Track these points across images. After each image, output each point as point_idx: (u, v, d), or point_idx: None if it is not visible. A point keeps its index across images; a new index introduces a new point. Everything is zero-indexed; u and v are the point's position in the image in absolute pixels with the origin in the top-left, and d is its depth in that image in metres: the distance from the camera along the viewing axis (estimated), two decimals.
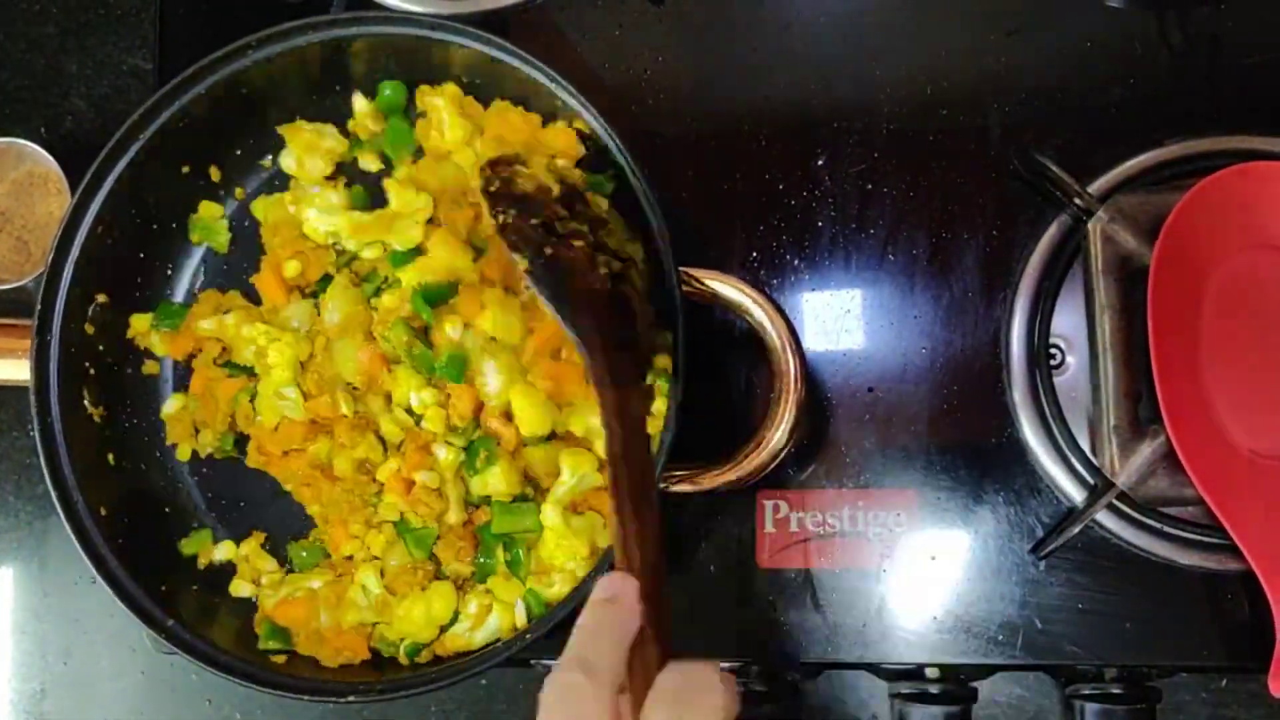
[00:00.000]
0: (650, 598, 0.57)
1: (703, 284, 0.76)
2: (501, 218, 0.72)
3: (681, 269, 0.75)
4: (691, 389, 0.73)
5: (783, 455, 0.75)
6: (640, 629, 0.56)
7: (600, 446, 0.75)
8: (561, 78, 0.78)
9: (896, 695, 0.81)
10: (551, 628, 0.74)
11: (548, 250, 0.71)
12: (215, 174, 0.88)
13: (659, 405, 0.77)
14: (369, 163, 0.87)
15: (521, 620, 0.78)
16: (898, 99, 0.87)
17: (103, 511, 0.80)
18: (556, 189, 0.75)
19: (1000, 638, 0.80)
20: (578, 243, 0.72)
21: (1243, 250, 0.79)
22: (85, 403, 0.82)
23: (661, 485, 0.73)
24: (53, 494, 0.78)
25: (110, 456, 0.84)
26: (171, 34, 0.94)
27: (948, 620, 0.81)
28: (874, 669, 0.84)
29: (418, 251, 0.81)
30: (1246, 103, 0.84)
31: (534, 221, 0.72)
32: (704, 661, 0.55)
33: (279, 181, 0.88)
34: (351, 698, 0.75)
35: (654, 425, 0.78)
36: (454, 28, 0.80)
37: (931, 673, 0.82)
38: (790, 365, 0.74)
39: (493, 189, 0.74)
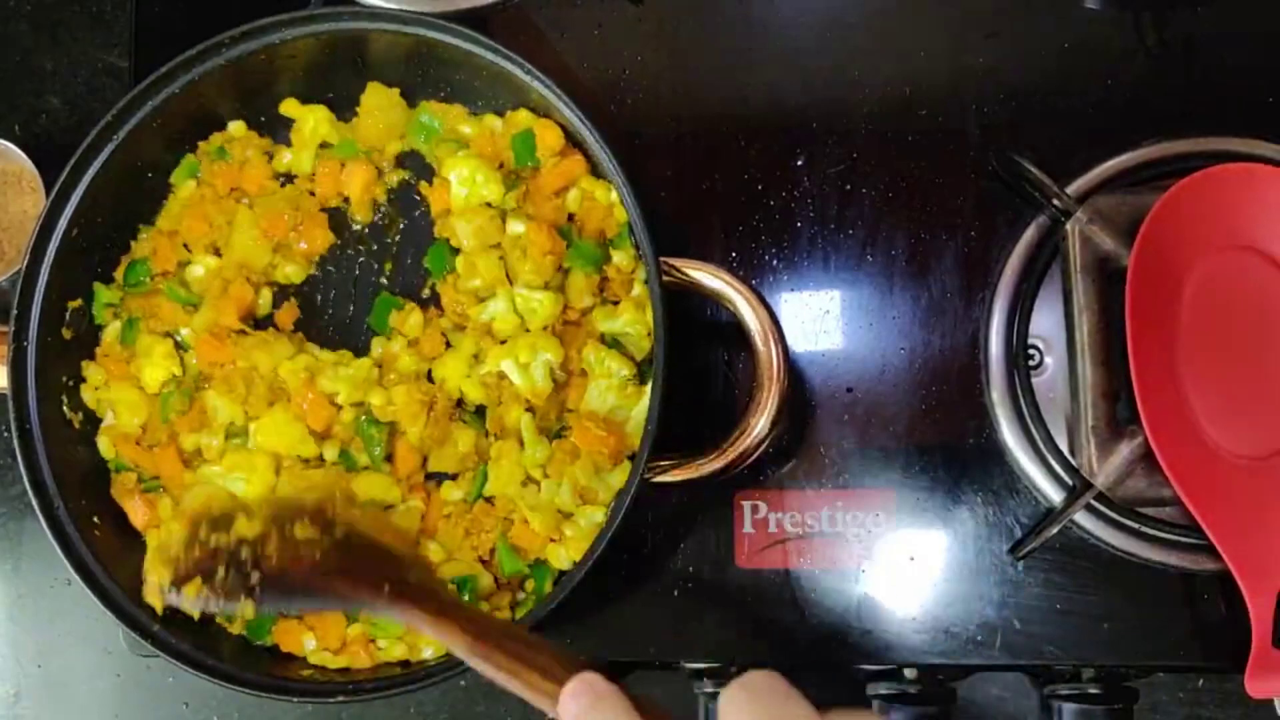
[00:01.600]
0: (612, 681, 0.56)
1: (684, 274, 0.76)
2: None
3: (662, 259, 0.75)
4: (674, 381, 0.73)
5: (765, 445, 0.75)
6: (633, 700, 0.54)
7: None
8: (540, 73, 0.78)
9: (875, 696, 0.81)
10: (532, 628, 0.74)
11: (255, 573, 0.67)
12: None
13: (642, 399, 0.77)
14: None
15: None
16: (877, 100, 0.87)
17: (81, 515, 0.79)
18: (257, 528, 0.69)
19: (979, 638, 0.80)
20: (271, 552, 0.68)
21: (1220, 251, 0.80)
22: (64, 408, 0.82)
23: (645, 477, 0.73)
24: (33, 499, 0.78)
25: (89, 460, 0.83)
26: (147, 32, 0.94)
27: (926, 621, 0.81)
28: (853, 670, 0.84)
29: None
30: (1223, 104, 0.85)
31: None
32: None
33: None
34: (340, 697, 0.75)
35: (637, 417, 0.78)
36: (432, 24, 0.80)
37: (910, 673, 0.82)
38: (772, 353, 0.74)
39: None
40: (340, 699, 0.75)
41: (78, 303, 0.83)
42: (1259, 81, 0.85)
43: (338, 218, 0.87)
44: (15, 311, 0.79)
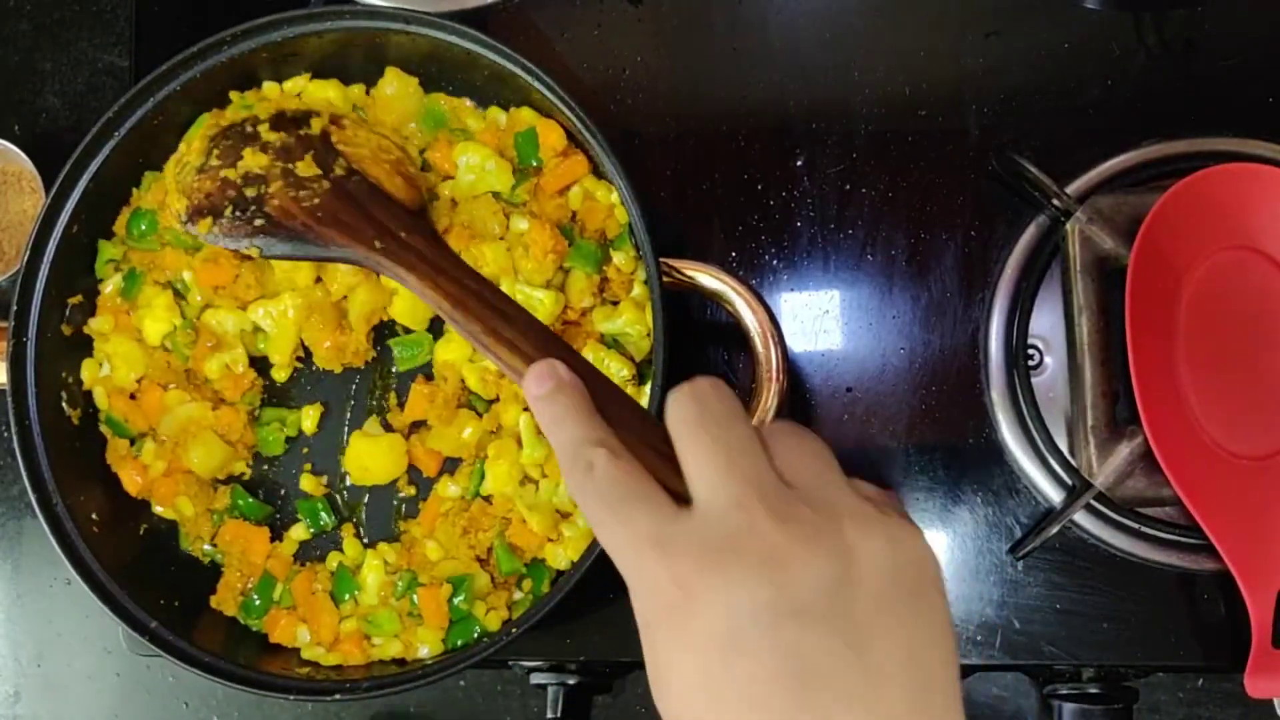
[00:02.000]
0: (574, 364, 0.56)
1: (683, 274, 0.76)
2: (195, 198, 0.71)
3: (662, 260, 0.75)
4: (673, 381, 0.73)
5: None
6: (594, 392, 0.55)
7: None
8: (540, 72, 0.78)
9: None
10: (529, 627, 0.74)
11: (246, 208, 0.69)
12: None
13: (641, 400, 0.77)
14: None
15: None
16: (876, 100, 0.87)
17: (80, 513, 0.79)
18: (276, 138, 0.72)
19: (978, 638, 0.80)
20: (274, 177, 0.70)
21: (1220, 251, 0.80)
22: (63, 404, 0.82)
23: None
24: (32, 496, 0.78)
25: (89, 458, 0.83)
26: (147, 31, 0.94)
27: None
28: None
29: None
30: (1223, 104, 0.85)
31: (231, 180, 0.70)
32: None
33: None
34: (337, 695, 0.75)
35: None
36: (432, 22, 0.80)
37: None
38: (771, 353, 0.74)
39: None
40: (338, 697, 0.75)
41: (77, 299, 0.83)
42: (1259, 81, 0.85)
43: None
44: (15, 308, 0.79)
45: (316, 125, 0.72)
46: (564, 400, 0.54)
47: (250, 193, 0.69)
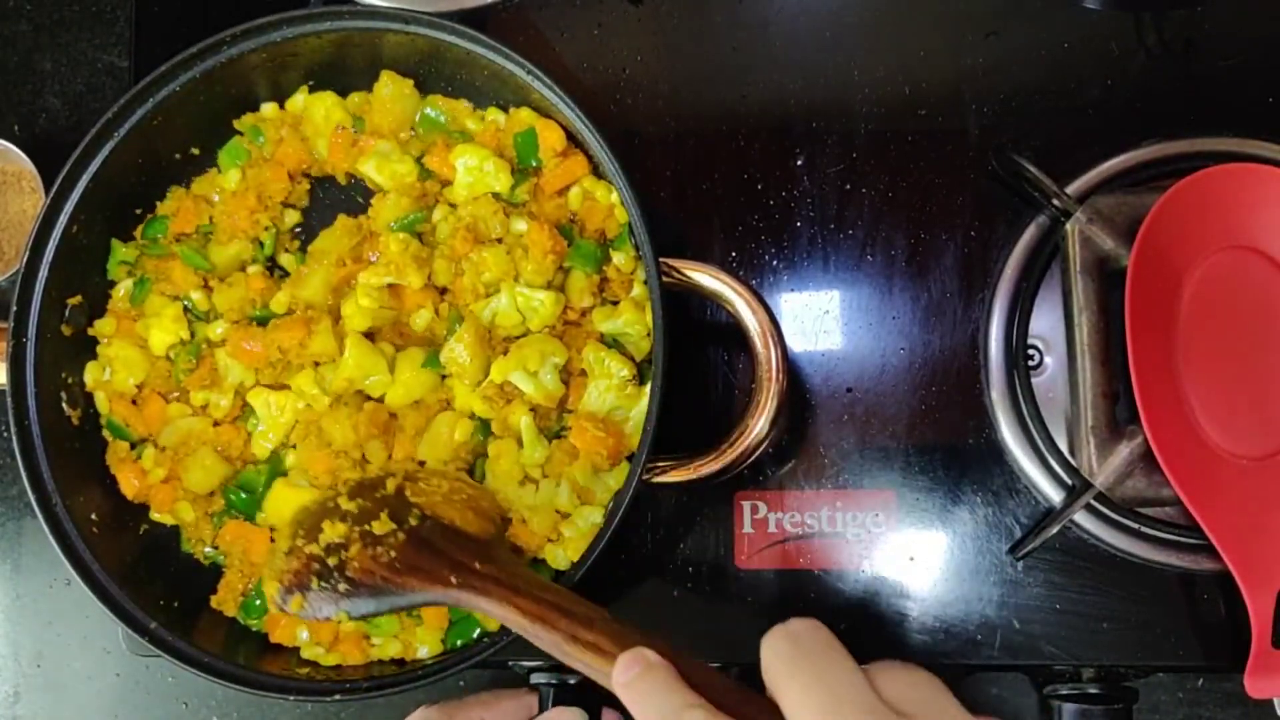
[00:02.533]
0: (660, 649, 0.57)
1: (683, 274, 0.76)
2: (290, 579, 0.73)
3: (662, 260, 0.75)
4: (673, 382, 0.73)
5: (765, 445, 0.75)
6: (683, 669, 0.55)
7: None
8: (540, 72, 0.78)
9: None
10: None
11: (332, 579, 0.72)
12: None
13: (641, 400, 0.77)
14: None
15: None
16: (876, 99, 0.87)
17: (80, 513, 0.79)
18: (350, 506, 0.74)
19: (978, 638, 0.80)
20: (353, 546, 0.72)
21: (1220, 251, 0.80)
22: (63, 405, 0.82)
23: (644, 477, 0.73)
24: (31, 497, 0.78)
25: (89, 458, 0.83)
26: (147, 31, 0.94)
27: (926, 620, 0.81)
28: None
29: None
30: (1222, 104, 0.85)
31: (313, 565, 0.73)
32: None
33: None
34: (337, 696, 0.75)
35: (636, 418, 0.78)
36: (431, 22, 0.80)
37: None
38: (771, 353, 0.74)
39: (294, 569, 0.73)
40: (337, 697, 0.75)
41: (77, 299, 0.83)
42: (1259, 81, 0.85)
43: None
44: (15, 308, 0.79)
45: (391, 485, 0.75)
46: (654, 677, 0.55)
47: (333, 561, 0.72)
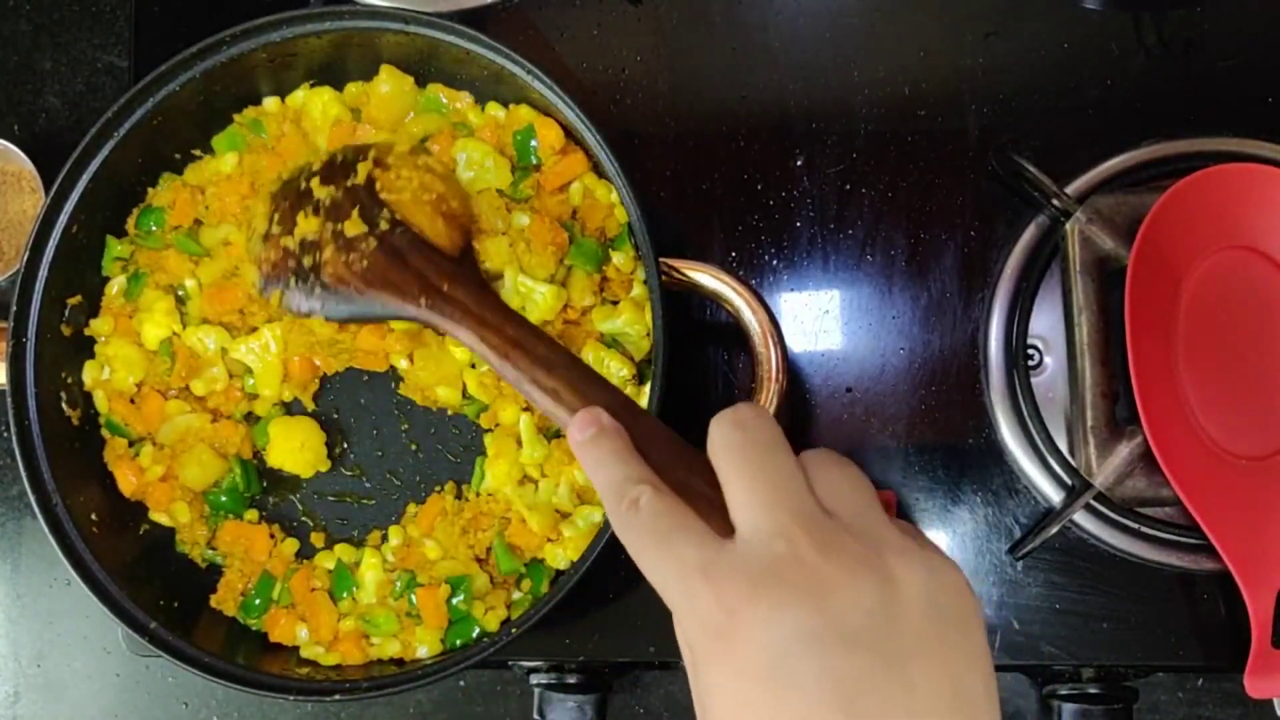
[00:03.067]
0: (616, 407, 0.58)
1: (683, 274, 0.76)
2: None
3: (661, 260, 0.75)
4: (673, 382, 0.73)
5: None
6: (630, 431, 0.56)
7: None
8: (540, 72, 0.78)
9: None
10: (529, 628, 0.74)
11: (300, 276, 0.74)
12: None
13: (641, 400, 0.77)
14: None
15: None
16: (876, 99, 0.87)
17: (80, 513, 0.79)
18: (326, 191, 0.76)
19: None
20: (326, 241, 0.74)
21: (1219, 251, 0.80)
22: (63, 405, 0.82)
23: None
24: (31, 497, 0.78)
25: (89, 458, 0.83)
26: (146, 30, 0.94)
27: None
28: None
29: None
30: (1222, 104, 0.85)
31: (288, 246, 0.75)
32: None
33: None
34: (337, 696, 0.75)
35: None
36: (431, 22, 0.80)
37: None
38: (771, 353, 0.74)
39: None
40: (337, 697, 0.75)
41: (77, 299, 0.83)
42: (1258, 81, 0.85)
43: None
44: (14, 308, 0.79)
45: (363, 171, 0.76)
46: (606, 444, 0.56)
47: (307, 261, 0.74)
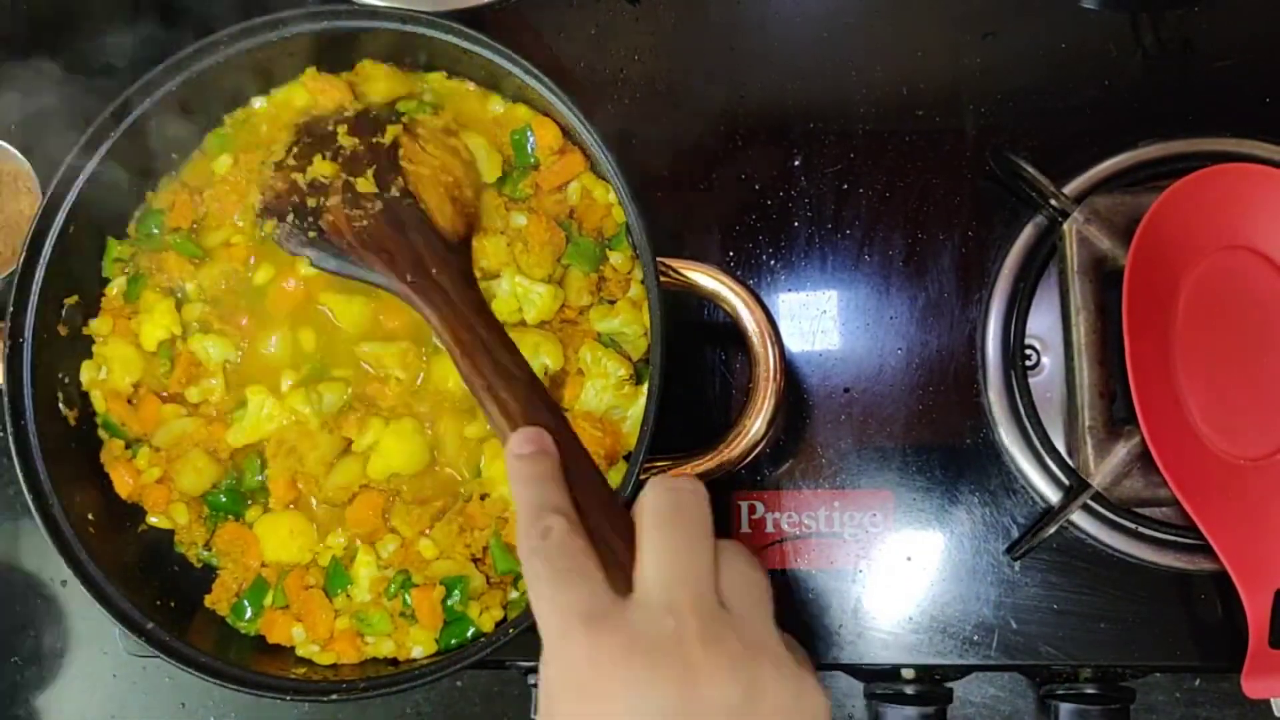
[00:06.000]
0: (559, 436, 0.58)
1: (681, 274, 0.76)
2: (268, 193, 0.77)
3: (659, 260, 0.75)
4: (670, 382, 0.73)
5: (762, 445, 0.75)
6: (565, 464, 0.57)
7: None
8: (538, 72, 0.78)
9: (872, 695, 0.81)
10: (526, 628, 0.74)
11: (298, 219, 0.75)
12: None
13: (638, 399, 0.77)
14: None
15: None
16: (874, 100, 0.87)
17: (77, 514, 0.79)
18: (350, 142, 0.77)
19: (976, 638, 0.80)
20: (333, 195, 0.74)
21: (1217, 251, 0.80)
22: (60, 405, 0.82)
23: (641, 477, 0.73)
24: (28, 497, 0.78)
25: (85, 459, 0.83)
26: (146, 31, 0.94)
27: (923, 621, 0.81)
28: (850, 669, 0.84)
29: None
30: (1219, 105, 0.85)
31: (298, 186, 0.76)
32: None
33: None
34: (334, 696, 0.75)
35: (633, 417, 0.79)
36: (430, 22, 0.80)
37: (907, 673, 0.82)
38: (769, 353, 0.74)
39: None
40: (334, 698, 0.75)
41: (74, 299, 0.83)
42: (1256, 82, 0.85)
43: None
44: (11, 308, 0.79)
45: (391, 133, 0.76)
46: (540, 466, 0.57)
47: (311, 202, 0.74)
